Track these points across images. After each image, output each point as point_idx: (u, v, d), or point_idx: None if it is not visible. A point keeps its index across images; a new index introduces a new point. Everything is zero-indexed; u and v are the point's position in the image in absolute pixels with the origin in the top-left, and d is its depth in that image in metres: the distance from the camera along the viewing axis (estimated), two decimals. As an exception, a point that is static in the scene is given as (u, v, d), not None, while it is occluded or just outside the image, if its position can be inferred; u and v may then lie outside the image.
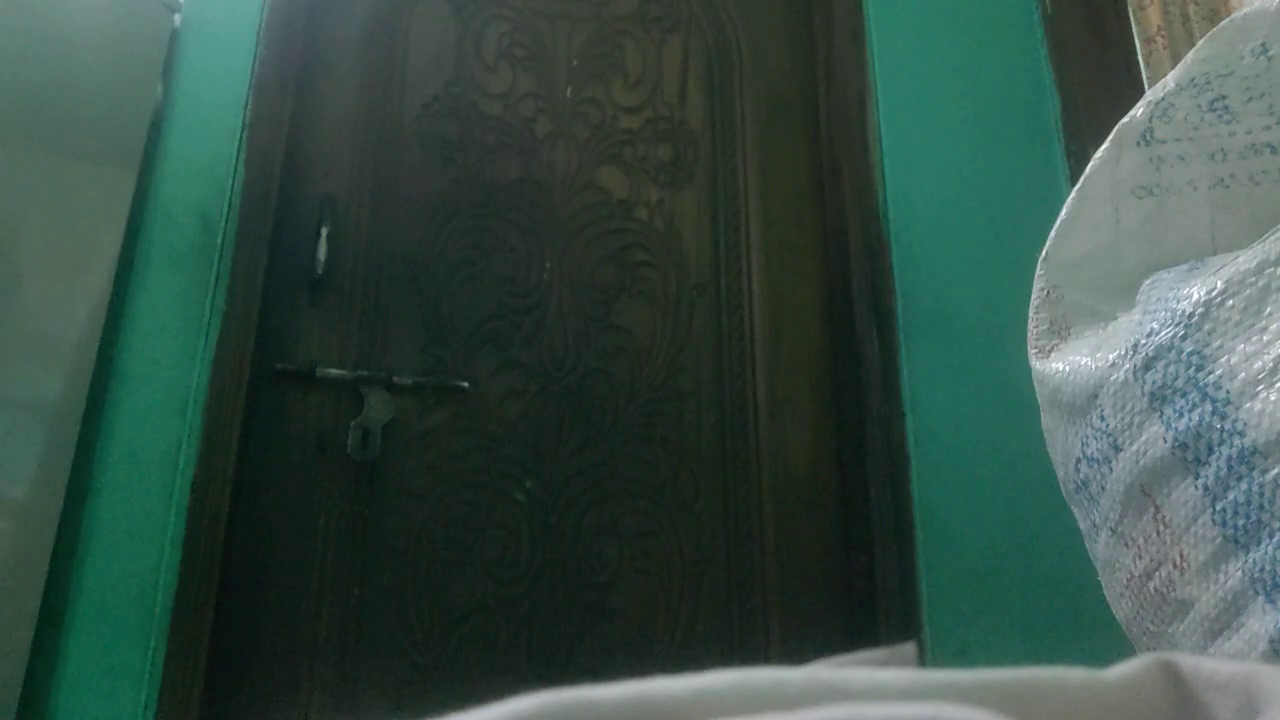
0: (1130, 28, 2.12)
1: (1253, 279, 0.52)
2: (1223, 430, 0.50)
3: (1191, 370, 0.53)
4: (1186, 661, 0.33)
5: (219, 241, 1.87)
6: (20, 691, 1.52)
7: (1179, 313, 0.54)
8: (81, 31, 1.81)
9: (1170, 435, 0.53)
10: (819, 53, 2.35)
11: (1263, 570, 0.47)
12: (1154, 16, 2.04)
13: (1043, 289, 0.68)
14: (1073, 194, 0.68)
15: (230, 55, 2.00)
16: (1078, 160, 2.06)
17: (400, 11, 2.20)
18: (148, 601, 1.64)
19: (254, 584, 1.77)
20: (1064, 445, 0.63)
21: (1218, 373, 0.51)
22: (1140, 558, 0.56)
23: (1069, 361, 0.62)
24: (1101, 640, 0.59)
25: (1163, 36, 2.01)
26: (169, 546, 1.67)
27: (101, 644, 1.61)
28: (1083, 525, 0.63)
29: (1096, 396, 0.58)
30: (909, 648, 0.40)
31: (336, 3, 2.17)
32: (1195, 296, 0.54)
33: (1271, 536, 0.47)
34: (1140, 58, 2.09)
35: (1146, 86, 2.00)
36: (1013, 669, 0.32)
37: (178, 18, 1.97)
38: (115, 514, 1.67)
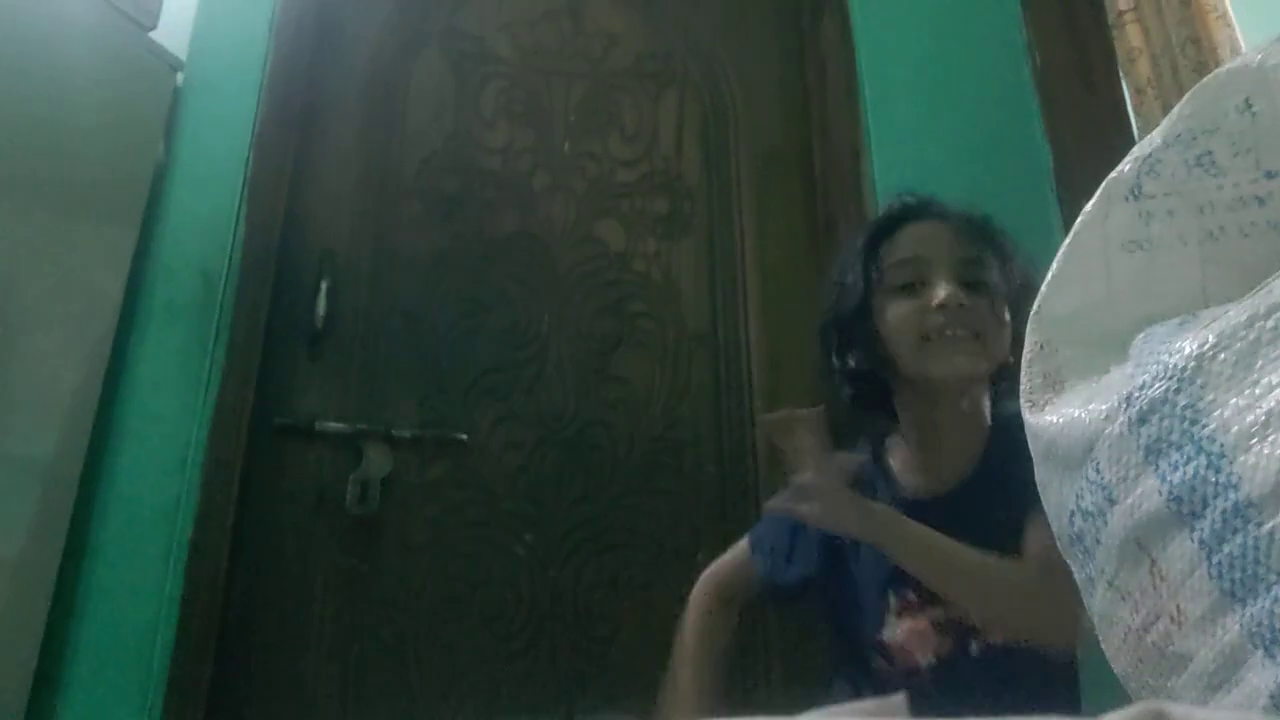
0: (1119, 79, 2.15)
1: (1243, 333, 0.52)
2: (1217, 483, 0.50)
3: (1186, 424, 0.53)
4: (1179, 710, 0.33)
5: (219, 296, 1.88)
6: (15, 752, 1.50)
7: (1171, 366, 0.55)
8: (84, 90, 1.83)
9: (1165, 489, 0.53)
10: (813, 107, 2.38)
11: (1260, 624, 0.47)
12: (1143, 69, 2.07)
13: (1035, 343, 0.68)
14: (1063, 249, 0.69)
15: (231, 113, 2.03)
16: (1071, 211, 2.07)
17: (399, 68, 2.23)
18: (145, 660, 1.63)
19: (253, 641, 1.76)
20: (1058, 499, 0.63)
21: (1211, 426, 0.52)
22: (1137, 611, 0.56)
23: (1063, 414, 0.62)
24: (1099, 677, 0.59)
25: (1153, 88, 2.03)
26: (167, 604, 1.66)
27: (98, 703, 1.59)
28: (1078, 578, 0.63)
29: (1092, 450, 0.58)
30: (899, 698, 0.40)
31: (337, 60, 2.20)
32: (1187, 350, 0.54)
33: (1268, 590, 0.47)
34: (1131, 109, 2.11)
35: (1138, 137, 2.02)
36: (1006, 718, 0.32)
37: (180, 76, 2.00)
38: (113, 571, 1.67)
